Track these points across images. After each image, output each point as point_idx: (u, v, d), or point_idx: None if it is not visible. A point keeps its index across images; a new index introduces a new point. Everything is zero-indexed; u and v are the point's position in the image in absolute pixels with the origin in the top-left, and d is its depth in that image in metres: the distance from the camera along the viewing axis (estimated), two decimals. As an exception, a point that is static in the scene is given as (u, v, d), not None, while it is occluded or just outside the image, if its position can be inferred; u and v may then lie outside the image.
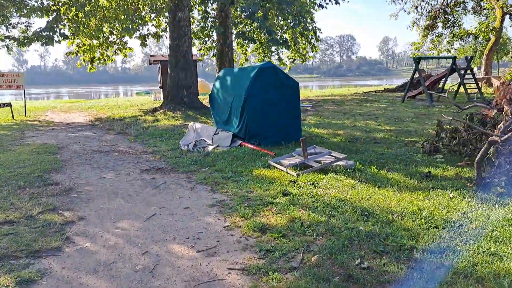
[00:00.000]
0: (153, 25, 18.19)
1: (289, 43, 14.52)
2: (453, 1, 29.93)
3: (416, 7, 30.41)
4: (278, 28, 14.75)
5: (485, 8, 29.36)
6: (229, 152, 7.37)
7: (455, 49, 31.38)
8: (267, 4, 11.07)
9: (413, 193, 4.73)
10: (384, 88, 23.92)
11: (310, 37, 21.57)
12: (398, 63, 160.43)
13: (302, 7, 12.51)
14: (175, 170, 6.47)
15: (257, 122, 7.79)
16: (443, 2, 29.92)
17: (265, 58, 21.68)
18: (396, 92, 22.18)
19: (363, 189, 4.96)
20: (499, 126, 5.64)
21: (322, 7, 13.44)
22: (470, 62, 17.31)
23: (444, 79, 17.39)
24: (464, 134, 6.42)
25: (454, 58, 17.01)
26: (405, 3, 30.76)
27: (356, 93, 22.81)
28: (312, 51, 24.50)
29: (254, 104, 7.73)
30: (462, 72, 16.89)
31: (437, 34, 31.28)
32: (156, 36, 17.35)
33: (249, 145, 7.66)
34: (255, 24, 13.78)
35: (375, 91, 23.01)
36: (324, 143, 8.07)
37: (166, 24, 18.00)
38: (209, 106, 14.13)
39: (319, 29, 15.04)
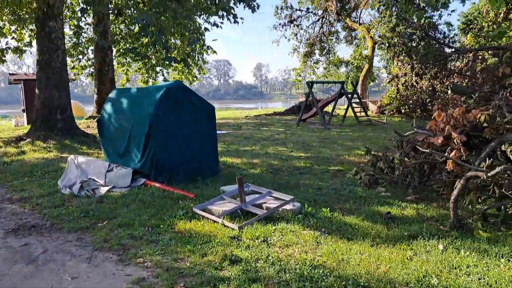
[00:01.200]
0: (13, 38, 15.16)
1: (189, 62, 13.13)
2: (327, 30, 31.93)
3: (296, 35, 31.70)
4: (174, 45, 13.28)
5: (356, 38, 31.91)
6: (131, 196, 5.65)
7: (331, 75, 33.44)
8: (162, 17, 9.59)
9: (395, 247, 3.74)
10: (274, 112, 23.91)
11: (197, 58, 20.51)
12: (271, 88, 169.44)
13: (199, 24, 11.38)
14: (58, 228, 4.56)
15: (167, 153, 6.22)
16: (319, 30, 31.71)
17: (150, 80, 19.88)
18: (286, 115, 22.22)
19: (332, 244, 3.82)
20: (452, 154, 5.07)
21: (217, 26, 12.41)
22: (356, 87, 18.00)
23: (334, 102, 17.73)
24: (408, 164, 5.80)
25: (342, 83, 17.49)
26: (286, 30, 31.89)
27: (247, 116, 22.27)
28: (200, 73, 23.45)
29: (162, 131, 6.17)
30: (352, 96, 17.41)
31: (315, 61, 33.03)
32: (18, 51, 14.39)
33: (157, 184, 6.03)
34: (145, 40, 12.11)
35: (265, 114, 22.79)
36: (244, 176, 6.84)
37: (31, 37, 15.15)
38: (90, 132, 11.94)
39: (211, 48, 13.97)
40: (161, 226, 4.45)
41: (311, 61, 32.46)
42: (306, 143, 11.07)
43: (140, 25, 9.02)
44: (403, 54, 26.69)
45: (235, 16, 11.64)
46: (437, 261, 3.39)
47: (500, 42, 13.75)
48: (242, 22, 12.27)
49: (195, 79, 22.49)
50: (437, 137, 5.46)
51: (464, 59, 17.18)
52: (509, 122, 4.65)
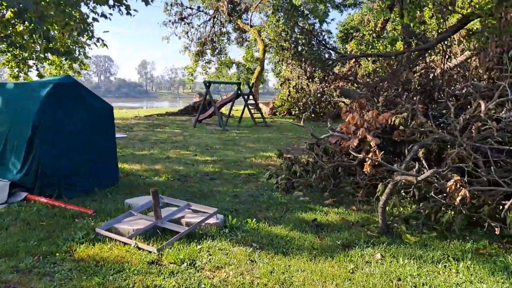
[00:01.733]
0: None
1: (74, 55, 11.58)
2: (219, 31, 31.82)
3: (187, 33, 30.94)
4: (57, 35, 11.60)
5: (247, 40, 32.34)
6: (10, 215, 4.57)
7: (223, 76, 33.38)
8: (43, 2, 8.23)
9: (334, 260, 3.49)
10: (166, 112, 22.87)
11: (78, 52, 18.55)
12: (157, 87, 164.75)
13: (85, 14, 10.07)
14: None
15: (56, 161, 5.21)
16: (210, 30, 31.43)
17: (21, 74, 17.40)
18: (180, 116, 21.42)
19: (269, 262, 3.42)
20: (369, 157, 5.07)
21: (106, 17, 11.22)
22: (252, 88, 18.06)
23: (231, 103, 17.54)
24: (325, 166, 5.70)
25: (239, 84, 17.40)
26: (176, 27, 30.95)
27: (137, 116, 20.92)
28: (81, 69, 21.33)
29: (50, 134, 5.15)
30: (248, 97, 17.39)
31: (207, 61, 32.64)
32: None
33: (44, 199, 5.00)
34: (20, 27, 10.32)
35: (157, 115, 21.69)
36: (148, 184, 6.12)
37: None
38: None
39: (102, 40, 12.48)
40: (56, 253, 3.58)
41: (203, 61, 31.98)
42: (208, 145, 10.58)
43: (15, 9, 7.59)
44: (292, 58, 27.79)
45: (128, 8, 10.61)
46: (381, 273, 3.21)
47: (392, 48, 14.87)
48: (134, 15, 11.28)
49: (76, 74, 20.36)
50: (352, 140, 5.44)
51: (348, 64, 18.39)
52: (423, 125, 4.78)
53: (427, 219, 4.31)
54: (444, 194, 4.29)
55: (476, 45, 10.07)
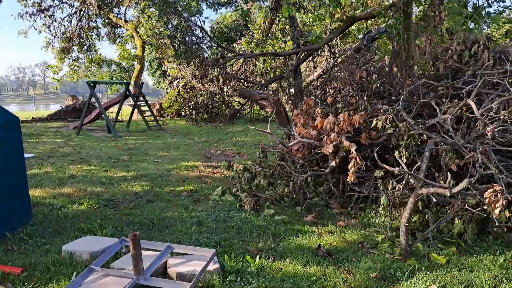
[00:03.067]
0: None
1: None
2: (87, 25, 28.73)
3: (49, 27, 27.16)
4: None
5: (120, 36, 29.82)
6: None
7: (94, 75, 30.24)
8: None
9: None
10: (33, 118, 19.51)
11: None
12: (1, 88, 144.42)
13: None
14: None
15: None
16: (77, 24, 28.15)
17: None
18: (51, 122, 18.50)
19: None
20: (351, 165, 4.57)
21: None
22: (141, 89, 16.42)
23: (119, 105, 15.69)
24: (298, 178, 5.03)
25: (127, 84, 15.65)
26: (35, 20, 26.95)
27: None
28: None
29: None
30: (138, 98, 15.75)
31: (74, 58, 29.17)
32: None
33: None
34: None
35: (22, 121, 18.35)
36: (70, 216, 4.69)
37: None
38: None
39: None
40: None
41: (69, 58, 28.45)
42: (112, 157, 9.02)
43: None
44: (174, 56, 26.50)
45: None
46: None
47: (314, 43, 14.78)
48: None
49: None
50: (327, 147, 4.88)
51: (238, 63, 18.04)
52: (411, 128, 4.44)
53: (438, 232, 3.96)
54: (449, 202, 4.00)
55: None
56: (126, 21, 26.15)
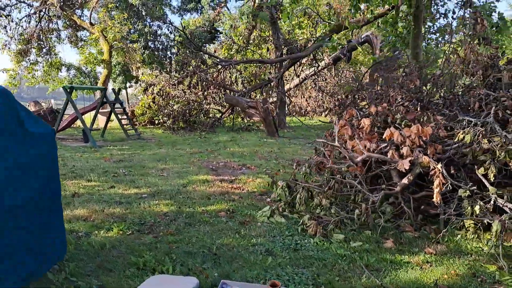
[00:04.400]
0: None
1: None
2: (47, 27, 26.96)
3: (5, 27, 25.14)
4: None
5: (82, 40, 28.23)
6: None
7: (53, 79, 28.32)
8: None
9: None
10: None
11: None
12: None
13: None
14: None
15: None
16: (36, 25, 26.31)
17: None
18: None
19: None
20: (436, 184, 4.08)
21: None
22: (118, 95, 15.29)
23: (95, 112, 14.49)
24: (370, 198, 4.46)
25: (105, 89, 14.52)
26: (-11, 20, 24.87)
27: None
28: None
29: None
30: (115, 105, 14.63)
31: (33, 62, 27.19)
32: None
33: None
34: None
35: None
36: (106, 246, 3.86)
37: None
38: None
39: None
40: None
41: (27, 62, 26.49)
42: (109, 171, 8.05)
43: None
44: (142, 62, 25.34)
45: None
46: None
47: (331, 53, 14.30)
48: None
49: None
50: (402, 163, 4.37)
51: (225, 70, 17.37)
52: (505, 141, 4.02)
53: None
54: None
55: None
56: (91, 24, 24.69)
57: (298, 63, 17.21)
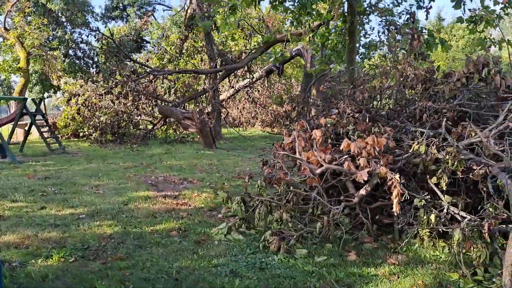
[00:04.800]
0: None
1: None
2: None
3: None
4: None
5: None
6: None
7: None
8: None
9: None
10: None
11: None
12: None
13: None
14: None
15: None
16: None
17: None
18: None
19: None
20: (395, 194, 4.14)
21: None
22: (40, 105, 14.03)
23: (12, 124, 13.15)
24: (333, 211, 4.40)
25: (25, 100, 13.27)
26: None
27: None
28: None
29: None
30: (35, 116, 13.41)
31: None
32: None
33: None
34: None
35: None
36: (48, 277, 3.39)
37: None
38: None
39: None
40: None
41: None
42: (35, 189, 7.25)
43: None
44: (62, 69, 23.78)
45: None
46: None
47: (263, 66, 14.12)
48: None
49: None
50: (361, 174, 4.38)
51: (158, 80, 16.79)
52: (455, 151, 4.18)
53: None
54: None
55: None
56: (6, 29, 22.61)
57: (232, 74, 17.15)
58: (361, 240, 4.50)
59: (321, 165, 4.67)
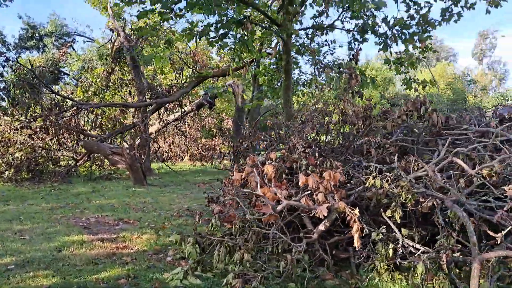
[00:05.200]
0: None
1: None
2: None
3: None
4: None
5: None
6: None
7: None
8: None
9: None
10: None
11: None
12: None
13: None
14: None
15: None
16: None
17: None
18: None
19: None
20: (355, 229, 4.22)
21: None
22: None
23: None
24: (296, 249, 4.31)
25: None
26: None
27: None
28: None
29: None
30: None
31: None
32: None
33: None
34: None
35: None
36: None
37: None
38: None
39: None
40: None
41: None
42: None
43: None
44: None
45: None
46: None
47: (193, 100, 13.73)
48: None
49: None
50: (320, 209, 4.39)
51: (81, 114, 15.88)
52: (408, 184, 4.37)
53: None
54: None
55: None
56: None
57: (162, 107, 16.81)
58: (322, 277, 4.46)
59: (279, 201, 4.61)
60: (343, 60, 8.43)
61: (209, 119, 21.54)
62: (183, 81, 17.42)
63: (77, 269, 4.82)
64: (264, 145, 6.61)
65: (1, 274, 4.54)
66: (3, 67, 19.17)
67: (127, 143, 15.27)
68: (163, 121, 16.76)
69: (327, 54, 12.09)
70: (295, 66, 10.76)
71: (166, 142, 20.55)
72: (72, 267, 4.92)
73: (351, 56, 8.67)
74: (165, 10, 7.76)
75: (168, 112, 17.30)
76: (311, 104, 8.18)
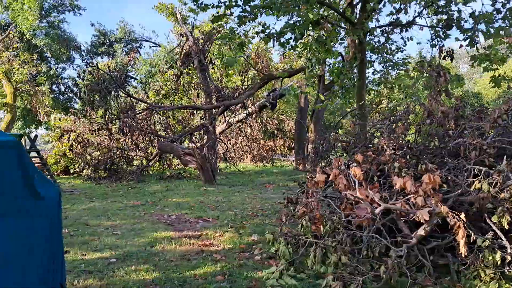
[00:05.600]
0: None
1: None
2: None
3: None
4: None
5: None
6: None
7: None
8: None
9: None
10: None
11: None
12: None
13: None
14: None
15: None
16: None
17: None
18: None
19: None
20: (461, 235, 4.01)
21: None
22: (34, 142, 13.56)
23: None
24: (397, 253, 4.20)
25: (20, 136, 12.76)
26: None
27: None
28: None
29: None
30: (29, 153, 12.92)
31: None
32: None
33: None
34: None
35: None
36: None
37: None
38: None
39: None
40: None
41: None
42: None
43: None
44: (50, 105, 23.35)
45: None
46: None
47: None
48: None
49: None
50: (421, 213, 4.24)
51: (154, 116, 16.58)
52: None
53: None
54: None
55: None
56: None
57: (229, 109, 17.13)
58: (422, 283, 4.30)
59: (378, 204, 4.51)
60: (425, 58, 8.07)
61: (271, 120, 21.62)
62: (248, 83, 17.63)
63: (173, 264, 5.02)
64: (343, 146, 6.50)
65: (105, 268, 4.83)
66: (84, 72, 20.46)
67: (195, 144, 15.71)
68: (227, 122, 17.05)
69: (396, 52, 11.69)
70: (369, 65, 10.52)
71: (229, 143, 20.91)
72: (168, 262, 5.13)
73: (437, 54, 8.30)
74: (243, 14, 7.89)
75: (233, 113, 17.60)
76: (385, 104, 7.92)
